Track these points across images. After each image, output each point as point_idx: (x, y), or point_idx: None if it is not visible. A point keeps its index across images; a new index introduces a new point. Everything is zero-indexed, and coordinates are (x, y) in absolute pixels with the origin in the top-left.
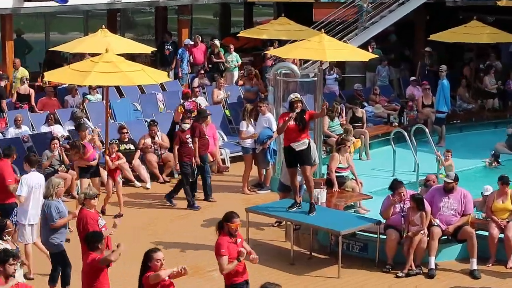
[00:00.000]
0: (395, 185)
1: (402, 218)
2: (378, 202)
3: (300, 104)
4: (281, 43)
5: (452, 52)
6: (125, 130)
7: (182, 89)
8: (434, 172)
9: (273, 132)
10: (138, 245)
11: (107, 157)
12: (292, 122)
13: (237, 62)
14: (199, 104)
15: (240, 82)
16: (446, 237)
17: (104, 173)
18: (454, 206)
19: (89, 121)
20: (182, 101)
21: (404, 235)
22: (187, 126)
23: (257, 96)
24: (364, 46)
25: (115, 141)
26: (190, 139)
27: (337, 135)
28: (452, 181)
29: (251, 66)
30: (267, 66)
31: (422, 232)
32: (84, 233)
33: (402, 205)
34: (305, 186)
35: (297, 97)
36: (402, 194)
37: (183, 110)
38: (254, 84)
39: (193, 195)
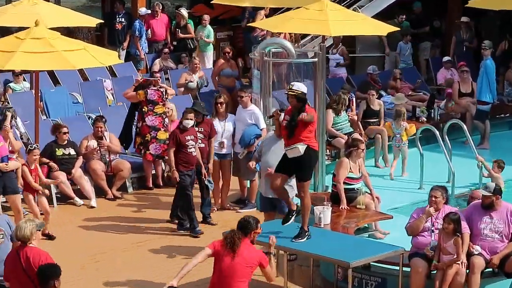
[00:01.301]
0: (430, 189)
1: (432, 234)
2: (400, 223)
3: (295, 100)
4: (270, 13)
5: (499, 23)
6: (64, 130)
7: (138, 75)
8: (475, 183)
9: (262, 129)
10: (81, 283)
11: (25, 168)
12: (285, 122)
13: (209, 38)
14: (165, 93)
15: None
16: (491, 269)
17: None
18: (499, 228)
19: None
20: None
21: (433, 264)
22: (189, 123)
23: (236, 82)
24: (382, 17)
25: (37, 146)
26: (191, 142)
27: (345, 134)
28: (492, 194)
29: (229, 43)
30: (256, 37)
31: (458, 262)
32: None
33: (432, 221)
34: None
35: (291, 88)
36: (433, 198)
37: (143, 98)
38: (233, 67)
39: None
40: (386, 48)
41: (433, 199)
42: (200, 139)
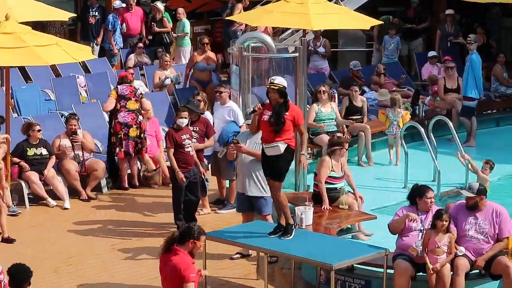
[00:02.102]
0: (420, 191)
1: (419, 235)
2: (384, 223)
3: (277, 95)
4: (249, 6)
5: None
6: (37, 127)
7: (119, 72)
8: (461, 183)
9: (240, 126)
10: (54, 286)
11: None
12: (266, 116)
13: (185, 32)
14: (138, 90)
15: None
16: (477, 271)
17: None
18: (484, 229)
19: None
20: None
21: (430, 268)
22: (184, 122)
23: (211, 77)
24: (365, 10)
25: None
26: (187, 141)
27: (328, 132)
28: (475, 195)
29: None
30: (235, 31)
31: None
32: None
33: (424, 222)
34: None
35: (272, 82)
36: (432, 199)
37: (116, 96)
38: (210, 60)
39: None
40: (376, 42)
41: (433, 200)
42: (195, 138)
